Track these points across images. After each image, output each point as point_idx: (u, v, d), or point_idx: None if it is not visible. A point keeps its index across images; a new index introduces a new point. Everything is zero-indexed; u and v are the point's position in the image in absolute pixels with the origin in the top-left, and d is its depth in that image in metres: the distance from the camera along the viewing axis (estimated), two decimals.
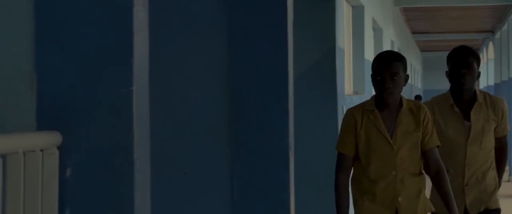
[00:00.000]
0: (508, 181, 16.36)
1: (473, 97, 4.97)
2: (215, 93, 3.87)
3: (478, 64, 4.94)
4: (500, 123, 5.02)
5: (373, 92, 4.41)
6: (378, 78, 4.23)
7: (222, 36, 3.84)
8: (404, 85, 4.31)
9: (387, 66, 4.21)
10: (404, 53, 20.92)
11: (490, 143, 4.98)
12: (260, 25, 3.82)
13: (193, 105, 3.84)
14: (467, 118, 4.95)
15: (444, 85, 5.19)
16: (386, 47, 13.38)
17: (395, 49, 16.14)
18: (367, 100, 4.44)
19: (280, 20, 3.83)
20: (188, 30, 3.82)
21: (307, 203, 6.25)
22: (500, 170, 5.15)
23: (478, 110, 4.95)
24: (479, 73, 4.95)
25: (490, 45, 25.07)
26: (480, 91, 5.06)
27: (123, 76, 2.17)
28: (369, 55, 10.14)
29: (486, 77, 27.79)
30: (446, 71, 5.02)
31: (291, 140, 3.88)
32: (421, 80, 37.83)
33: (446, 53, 5.18)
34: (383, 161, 4.29)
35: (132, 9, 2.19)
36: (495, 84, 22.53)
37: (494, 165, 5.02)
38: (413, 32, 24.45)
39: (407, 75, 4.33)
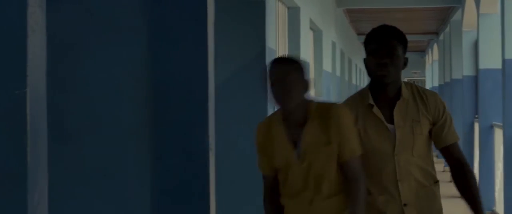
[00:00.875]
0: (450, 181, 16.58)
1: (399, 93, 3.85)
2: (135, 94, 3.84)
3: (405, 49, 3.82)
4: (441, 125, 3.89)
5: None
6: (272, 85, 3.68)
7: (142, 36, 3.83)
8: (304, 90, 3.69)
9: (276, 73, 3.67)
10: (348, 54, 21.08)
11: (425, 148, 3.89)
12: (180, 25, 3.81)
13: (113, 106, 3.82)
14: (391, 120, 3.85)
15: None
16: (327, 48, 13.44)
17: (337, 51, 16.18)
18: (276, 111, 3.85)
19: (200, 20, 3.82)
20: (107, 30, 3.80)
21: (231, 204, 6.24)
22: (472, 200, 3.88)
23: (403, 108, 3.84)
24: (406, 61, 3.83)
25: (435, 47, 25.38)
26: (407, 84, 3.91)
27: (16, 78, 2.15)
28: (306, 56, 10.18)
29: (431, 78, 28.14)
30: (365, 59, 3.88)
31: (212, 140, 3.87)
32: (368, 81, 38.12)
33: None
34: (293, 179, 3.75)
35: (27, 9, 2.16)
36: (439, 85, 22.86)
37: (435, 176, 3.96)
38: (359, 34, 24.62)
39: (306, 80, 3.70)
